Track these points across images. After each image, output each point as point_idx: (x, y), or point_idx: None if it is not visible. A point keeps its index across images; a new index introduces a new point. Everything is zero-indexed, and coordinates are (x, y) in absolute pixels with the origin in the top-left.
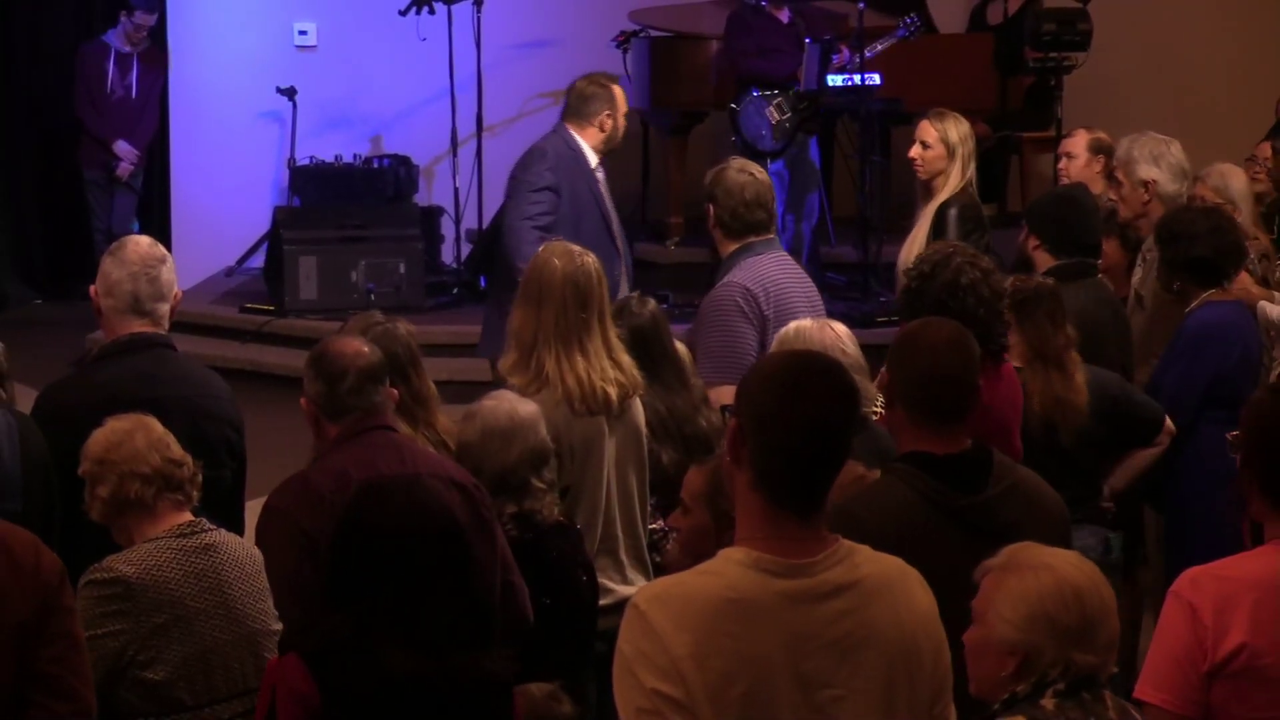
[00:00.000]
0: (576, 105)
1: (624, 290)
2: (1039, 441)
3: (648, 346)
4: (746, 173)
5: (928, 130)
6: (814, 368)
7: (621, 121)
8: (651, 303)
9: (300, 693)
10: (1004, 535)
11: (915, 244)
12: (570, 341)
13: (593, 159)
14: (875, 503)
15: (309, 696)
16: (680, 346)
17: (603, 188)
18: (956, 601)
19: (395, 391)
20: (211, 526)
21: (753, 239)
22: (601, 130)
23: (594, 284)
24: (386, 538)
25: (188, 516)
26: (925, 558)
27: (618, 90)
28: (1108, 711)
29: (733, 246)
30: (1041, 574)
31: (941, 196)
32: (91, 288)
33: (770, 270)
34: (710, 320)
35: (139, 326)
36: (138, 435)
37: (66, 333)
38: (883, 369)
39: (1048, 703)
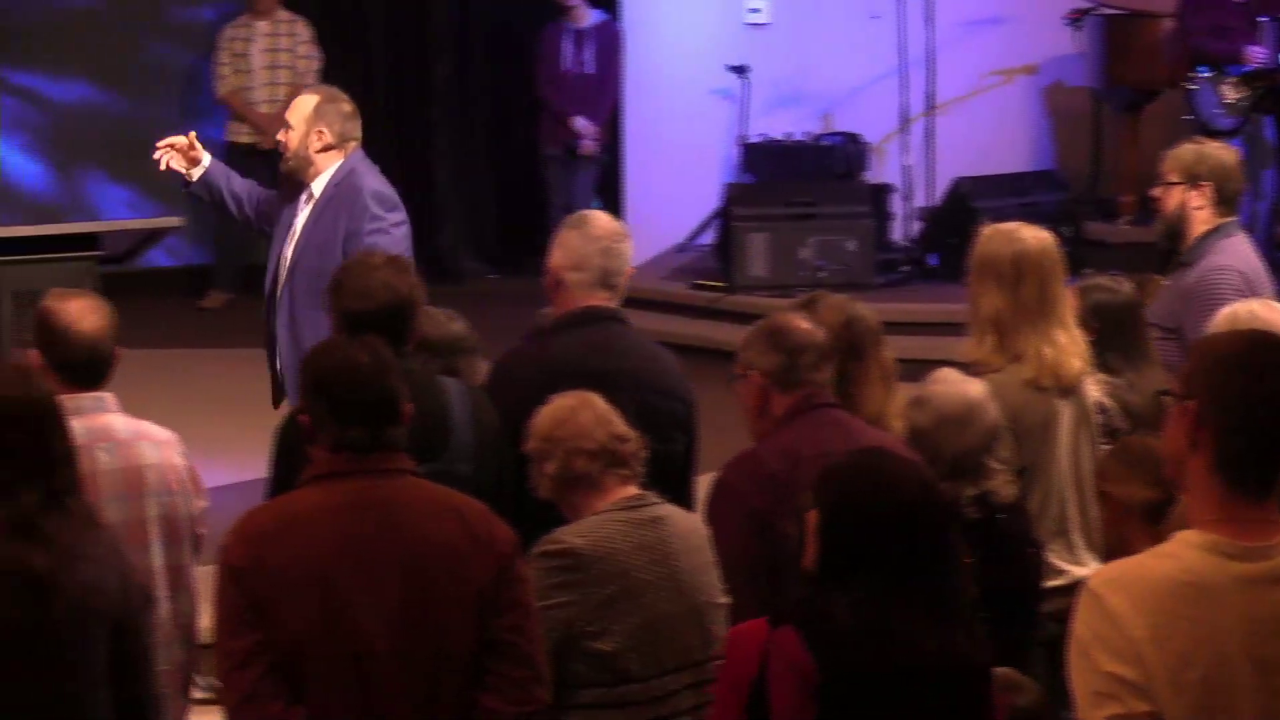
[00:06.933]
0: None
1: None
2: None
3: (1123, 327)
4: (1230, 151)
5: None
6: (1277, 346)
7: (295, 135)
8: (1127, 283)
9: (799, 665)
10: None
11: None
12: (1051, 317)
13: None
14: None
15: (807, 671)
16: None
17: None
18: None
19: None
20: (658, 499)
21: (1227, 220)
22: None
23: (1061, 259)
24: (884, 517)
25: (634, 490)
26: None
27: (299, 98)
28: None
29: (1205, 227)
30: None
31: None
32: (549, 261)
33: (1248, 252)
34: (1207, 303)
35: (600, 300)
36: (582, 412)
37: (519, 307)
38: None
39: None
